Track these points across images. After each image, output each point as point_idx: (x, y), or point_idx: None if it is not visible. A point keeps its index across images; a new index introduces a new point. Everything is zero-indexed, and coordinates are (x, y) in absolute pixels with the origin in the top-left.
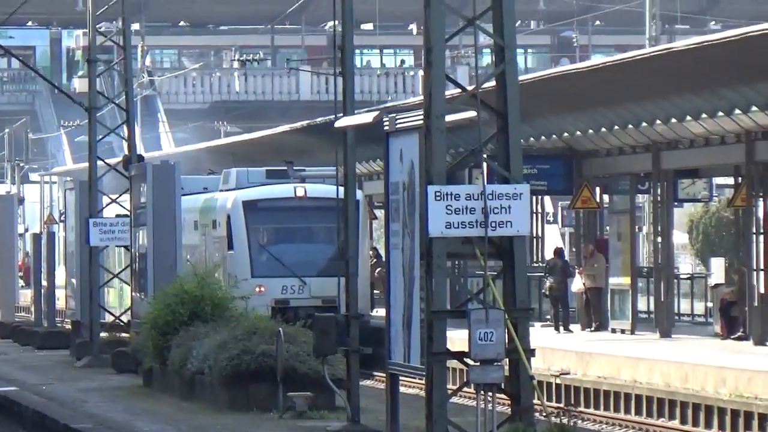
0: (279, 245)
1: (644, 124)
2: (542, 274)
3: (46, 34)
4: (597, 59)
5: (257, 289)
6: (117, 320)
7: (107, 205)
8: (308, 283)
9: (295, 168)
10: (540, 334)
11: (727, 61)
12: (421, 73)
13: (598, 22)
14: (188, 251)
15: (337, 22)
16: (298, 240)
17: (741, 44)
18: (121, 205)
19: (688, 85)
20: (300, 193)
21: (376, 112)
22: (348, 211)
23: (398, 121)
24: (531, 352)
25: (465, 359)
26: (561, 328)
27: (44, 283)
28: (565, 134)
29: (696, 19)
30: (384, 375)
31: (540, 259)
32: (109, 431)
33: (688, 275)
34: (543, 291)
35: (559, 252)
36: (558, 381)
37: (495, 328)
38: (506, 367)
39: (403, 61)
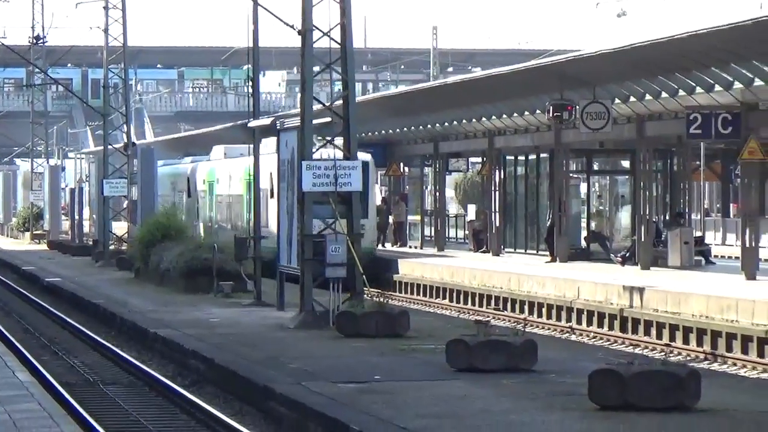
0: None
1: (429, 126)
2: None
3: (78, 71)
4: (402, 88)
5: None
6: (119, 239)
7: (113, 173)
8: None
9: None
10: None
11: (483, 87)
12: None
13: (402, 66)
14: (233, 198)
15: (250, 66)
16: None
17: (477, 82)
18: (123, 173)
19: (457, 103)
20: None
21: (272, 118)
22: (257, 182)
23: (285, 123)
24: (360, 259)
25: (323, 263)
26: (380, 245)
27: (76, 216)
28: (383, 132)
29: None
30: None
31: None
32: (114, 303)
33: (454, 215)
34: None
35: (384, 201)
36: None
37: (340, 245)
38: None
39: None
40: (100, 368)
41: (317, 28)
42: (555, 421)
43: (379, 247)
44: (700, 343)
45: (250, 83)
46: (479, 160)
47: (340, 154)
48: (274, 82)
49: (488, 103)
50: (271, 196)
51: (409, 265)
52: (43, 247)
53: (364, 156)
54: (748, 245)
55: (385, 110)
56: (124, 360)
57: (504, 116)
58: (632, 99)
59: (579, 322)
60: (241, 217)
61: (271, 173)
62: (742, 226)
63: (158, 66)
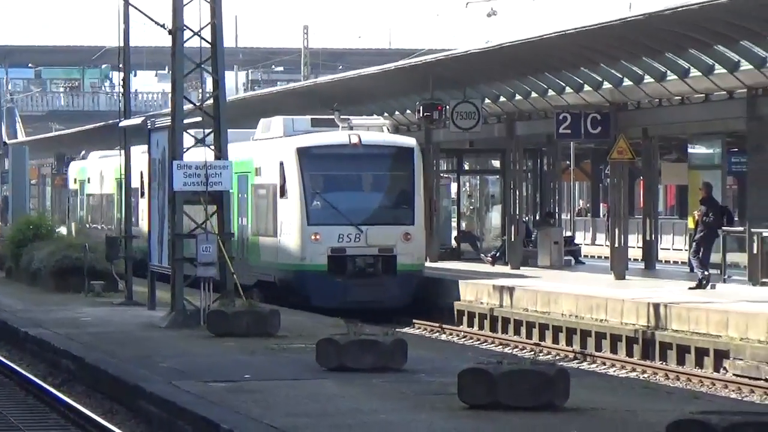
0: (335, 193)
1: None
2: None
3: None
4: (281, 87)
5: (312, 237)
6: None
7: None
8: (364, 231)
9: (342, 117)
10: None
11: (352, 86)
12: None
13: (280, 68)
14: None
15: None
16: (353, 188)
17: (348, 82)
18: None
19: (328, 103)
20: (354, 140)
21: (143, 118)
22: (128, 182)
23: (156, 123)
24: (231, 259)
25: (194, 263)
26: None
27: None
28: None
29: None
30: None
31: None
32: None
33: None
34: None
35: None
36: None
37: (211, 244)
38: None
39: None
40: None
41: (188, 28)
42: (423, 420)
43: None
44: (569, 343)
45: (122, 83)
46: None
47: (211, 155)
48: (148, 82)
49: (359, 104)
50: (142, 195)
51: None
52: None
53: (406, 140)
54: (616, 245)
55: (254, 111)
56: None
57: (374, 116)
58: (502, 99)
59: (449, 321)
60: (112, 216)
61: (141, 172)
62: (610, 226)
63: (29, 65)
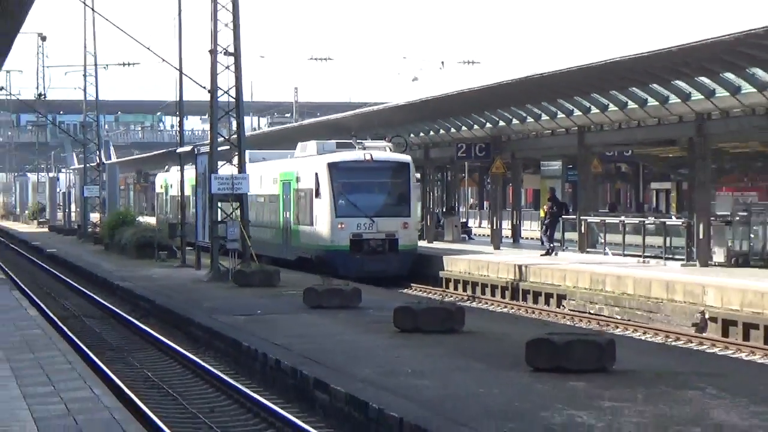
0: (354, 194)
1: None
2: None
3: (70, 116)
4: (283, 126)
5: (339, 226)
6: (94, 224)
7: (90, 182)
8: (375, 222)
9: (357, 141)
10: None
11: (320, 128)
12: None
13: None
14: (267, 198)
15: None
16: (367, 191)
17: (320, 124)
18: (96, 182)
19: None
20: (368, 157)
21: (192, 146)
22: (182, 188)
23: (200, 149)
24: (250, 238)
25: (224, 240)
26: None
27: (67, 210)
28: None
29: (312, 113)
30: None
31: None
32: (91, 265)
33: None
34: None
35: None
36: None
37: (235, 228)
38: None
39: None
40: (82, 307)
41: (220, 88)
42: (371, 338)
43: None
44: (465, 290)
45: (178, 124)
46: None
47: (235, 170)
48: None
49: (336, 135)
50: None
51: None
52: (45, 230)
53: (403, 157)
54: (495, 227)
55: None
56: (98, 302)
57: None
58: (421, 134)
59: None
60: (175, 210)
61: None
62: (490, 215)
63: (117, 113)
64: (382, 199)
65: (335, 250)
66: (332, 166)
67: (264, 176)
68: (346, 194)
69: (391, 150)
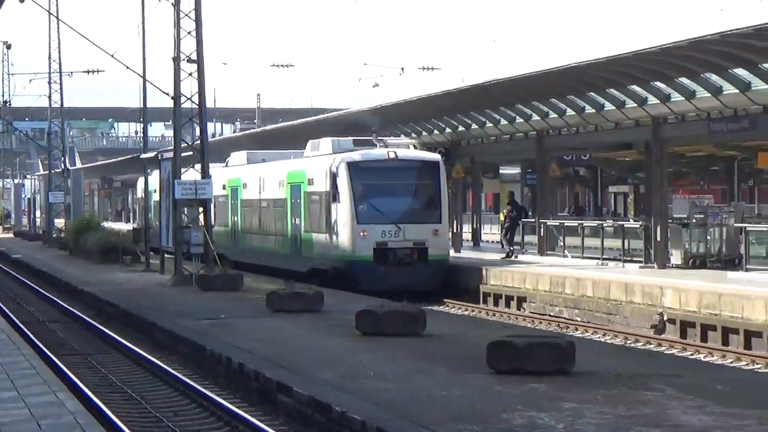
0: (378, 198)
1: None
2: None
3: (34, 123)
4: (249, 131)
5: (361, 234)
6: (59, 230)
7: (55, 188)
8: (402, 229)
9: (378, 137)
10: None
11: (285, 133)
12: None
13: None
14: (270, 202)
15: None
16: (392, 194)
17: (281, 130)
18: (61, 188)
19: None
20: (392, 155)
21: (156, 152)
22: (146, 192)
23: (163, 155)
24: (212, 242)
25: (188, 244)
26: None
27: (32, 215)
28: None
29: (274, 119)
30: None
31: None
32: (56, 270)
33: None
34: None
35: None
36: None
37: (198, 232)
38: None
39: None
40: (47, 312)
41: (184, 95)
42: (333, 341)
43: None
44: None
45: (142, 130)
46: None
47: (198, 175)
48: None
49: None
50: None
51: None
52: (10, 235)
53: (432, 156)
54: (455, 231)
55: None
56: (62, 307)
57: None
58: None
59: None
60: (140, 215)
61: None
62: (451, 219)
63: (82, 119)
64: (409, 203)
65: (356, 261)
66: (352, 166)
67: (266, 178)
68: (369, 198)
69: (415, 147)
